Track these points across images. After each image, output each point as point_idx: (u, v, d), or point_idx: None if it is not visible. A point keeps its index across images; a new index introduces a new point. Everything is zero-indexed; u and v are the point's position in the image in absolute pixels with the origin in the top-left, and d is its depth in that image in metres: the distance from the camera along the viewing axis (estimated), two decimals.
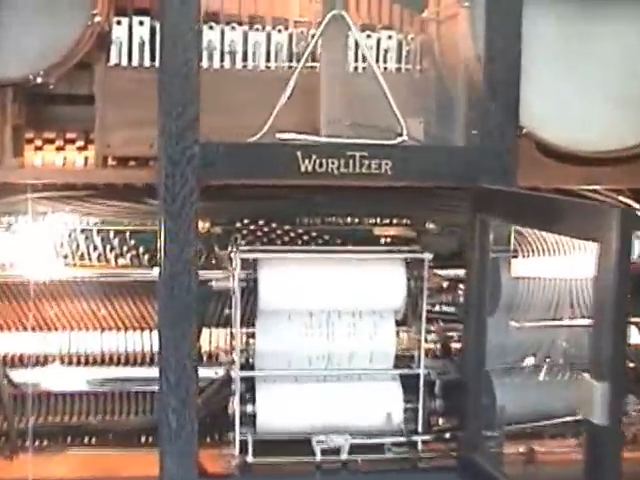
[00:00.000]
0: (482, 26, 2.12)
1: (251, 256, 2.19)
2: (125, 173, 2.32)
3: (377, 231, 2.56)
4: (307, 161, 2.06)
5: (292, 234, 2.49)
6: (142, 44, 2.35)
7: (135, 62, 2.35)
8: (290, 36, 2.41)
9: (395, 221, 2.56)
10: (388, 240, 2.54)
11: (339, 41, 2.21)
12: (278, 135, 2.13)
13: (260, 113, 2.26)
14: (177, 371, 2.04)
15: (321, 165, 2.07)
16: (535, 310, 2.24)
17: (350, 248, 2.36)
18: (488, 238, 2.10)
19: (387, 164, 2.09)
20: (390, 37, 2.44)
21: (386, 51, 2.43)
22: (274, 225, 2.48)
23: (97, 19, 2.15)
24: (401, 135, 2.17)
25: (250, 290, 2.22)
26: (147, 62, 2.36)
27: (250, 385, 2.22)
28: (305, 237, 2.50)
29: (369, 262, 2.27)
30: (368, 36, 2.44)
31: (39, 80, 2.14)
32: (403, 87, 2.37)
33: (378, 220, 2.55)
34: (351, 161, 2.08)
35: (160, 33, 2.03)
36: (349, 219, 2.53)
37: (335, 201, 2.43)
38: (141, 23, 2.35)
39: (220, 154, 2.04)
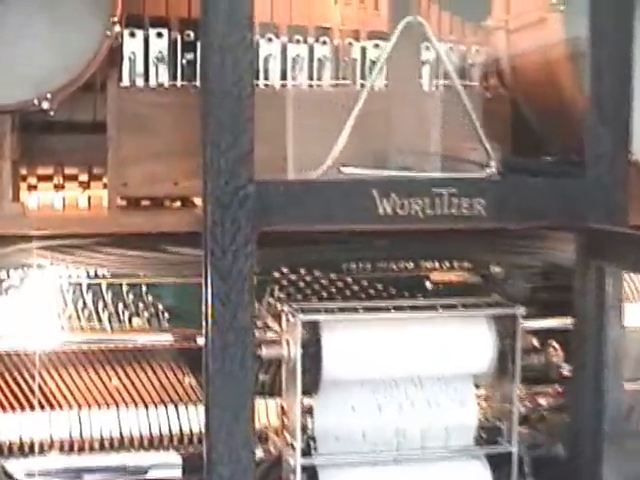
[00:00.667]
0: (581, 33, 1.76)
1: (317, 318, 1.79)
2: (147, 218, 1.89)
3: (435, 277, 2.18)
4: (385, 201, 1.67)
5: (339, 284, 2.10)
6: (160, 60, 1.94)
7: (152, 81, 1.94)
8: (336, 49, 2.03)
9: (455, 264, 2.19)
10: (449, 287, 2.17)
11: (411, 54, 1.83)
12: (343, 170, 1.74)
13: (304, 141, 1.88)
14: (230, 464, 1.63)
15: (402, 206, 1.68)
16: None
17: (423, 302, 1.96)
18: (604, 287, 1.73)
19: (480, 203, 1.71)
20: (451, 49, 2.06)
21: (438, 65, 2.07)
22: (317, 274, 2.09)
23: (117, 28, 1.73)
24: (489, 167, 1.80)
25: (306, 357, 1.82)
26: (166, 81, 1.95)
27: (312, 473, 1.81)
28: (354, 287, 2.11)
29: (446, 318, 1.88)
30: (426, 48, 2.07)
31: (45, 106, 1.71)
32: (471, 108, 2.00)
33: (435, 264, 2.18)
34: (438, 200, 1.69)
35: (203, 47, 1.63)
36: (402, 263, 2.15)
37: (384, 243, 2.06)
38: (159, 35, 1.94)
39: (280, 195, 1.65)
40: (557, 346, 1.93)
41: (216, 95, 1.60)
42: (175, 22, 1.96)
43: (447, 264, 2.17)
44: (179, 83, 1.95)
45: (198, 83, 1.95)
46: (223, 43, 1.60)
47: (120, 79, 1.92)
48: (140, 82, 1.93)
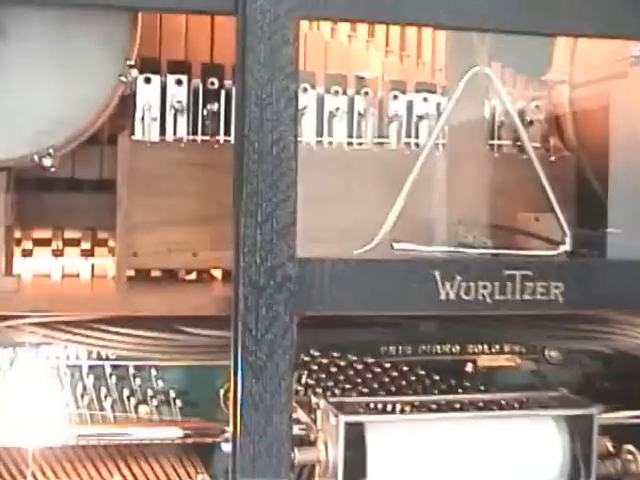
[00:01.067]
0: None
1: (363, 419, 1.51)
2: (162, 298, 1.61)
3: (483, 362, 1.92)
4: (448, 285, 1.41)
5: (376, 368, 1.84)
6: (179, 110, 1.68)
7: (169, 135, 1.69)
8: (380, 101, 1.78)
9: (505, 348, 1.92)
10: (498, 373, 1.91)
11: (473, 109, 1.58)
12: (396, 246, 1.48)
13: (345, 210, 1.64)
14: None
15: (468, 290, 1.42)
16: None
17: (481, 397, 1.70)
18: None
19: (557, 287, 1.45)
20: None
21: (501, 123, 1.81)
22: (352, 357, 1.82)
23: (134, 73, 1.47)
24: (563, 244, 1.54)
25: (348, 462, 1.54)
26: (185, 135, 1.69)
27: None
28: (393, 372, 1.84)
29: (506, 417, 1.62)
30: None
31: (47, 163, 1.45)
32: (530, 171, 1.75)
33: (483, 347, 1.91)
34: (509, 284, 1.43)
35: (238, 98, 1.37)
36: (447, 346, 1.89)
37: (428, 324, 1.80)
38: (178, 82, 1.68)
39: (326, 276, 1.38)
40: (634, 450, 1.66)
41: (252, 155, 1.34)
42: (196, 67, 1.71)
43: (496, 347, 1.92)
44: (200, 138, 1.69)
45: (222, 138, 1.70)
46: (263, 93, 1.34)
47: (132, 132, 1.66)
48: (155, 136, 1.67)
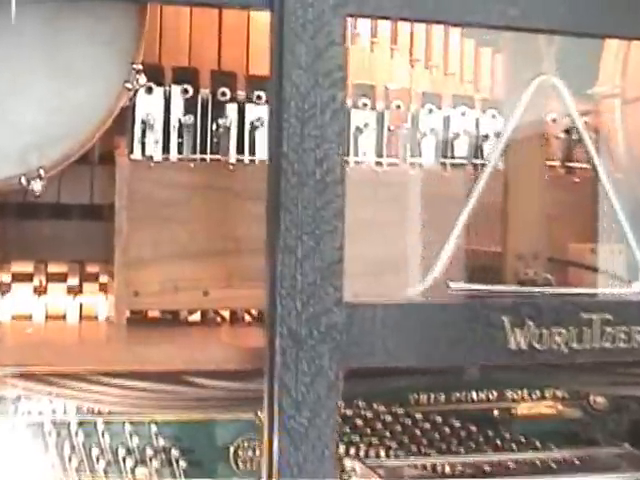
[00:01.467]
0: None
1: None
2: (168, 349, 1.35)
3: (522, 410, 1.70)
4: (519, 332, 1.19)
5: (406, 420, 1.61)
6: (186, 125, 1.45)
7: (173, 153, 1.45)
8: (413, 116, 1.56)
9: (547, 394, 1.71)
10: (538, 422, 1.69)
11: (530, 122, 1.36)
12: (452, 285, 1.26)
13: (370, 237, 1.42)
14: None
15: (541, 338, 1.20)
16: None
17: (530, 456, 1.48)
18: None
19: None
20: (554, 121, 1.60)
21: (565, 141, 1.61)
22: (379, 407, 1.59)
23: (142, 79, 1.24)
24: (637, 281, 1.33)
25: None
26: (192, 154, 1.46)
27: None
28: (425, 424, 1.61)
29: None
30: (493, 116, 1.61)
31: (37, 186, 1.21)
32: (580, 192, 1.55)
33: (523, 394, 1.70)
34: (587, 329, 1.22)
35: (274, 110, 1.13)
36: (484, 393, 1.67)
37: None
38: (185, 92, 1.45)
39: (377, 322, 1.15)
40: None
41: (291, 178, 1.12)
42: (205, 75, 1.48)
43: (537, 393, 1.70)
44: (209, 157, 1.46)
45: (233, 157, 1.46)
46: (305, 104, 1.11)
47: (131, 150, 1.42)
48: (157, 155, 1.43)
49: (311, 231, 1.12)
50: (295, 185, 1.12)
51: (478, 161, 1.53)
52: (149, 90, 1.41)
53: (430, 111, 1.55)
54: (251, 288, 1.40)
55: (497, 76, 1.64)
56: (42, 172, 1.19)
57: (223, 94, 1.46)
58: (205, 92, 1.46)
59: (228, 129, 1.46)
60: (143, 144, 1.43)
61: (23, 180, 1.19)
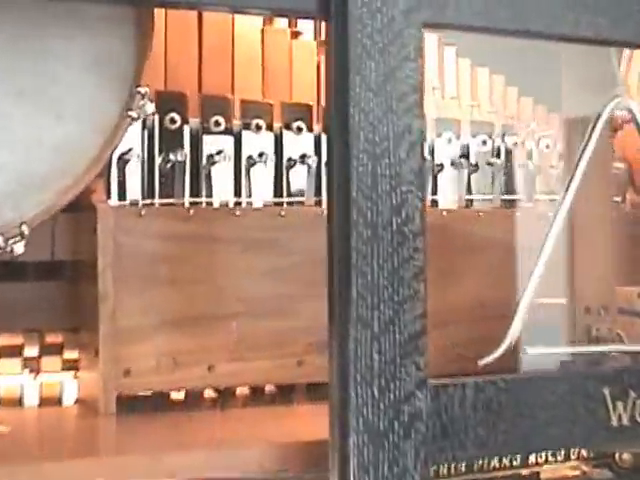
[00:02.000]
0: None
1: None
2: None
3: (546, 474, 1.50)
4: (621, 405, 0.99)
5: None
6: (178, 163, 1.19)
7: (162, 197, 1.18)
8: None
9: (571, 454, 1.51)
10: None
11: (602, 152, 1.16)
12: (529, 350, 1.04)
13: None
14: None
15: None
16: None
17: None
18: None
19: None
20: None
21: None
22: None
23: (149, 107, 0.98)
24: None
25: None
26: (187, 197, 1.20)
27: None
28: None
29: None
30: (547, 147, 1.42)
31: (18, 249, 0.93)
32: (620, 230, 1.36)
33: (547, 456, 1.49)
34: None
35: (334, 141, 0.89)
36: (506, 459, 1.46)
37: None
38: (172, 121, 1.19)
39: (467, 404, 0.92)
40: None
41: (363, 230, 0.88)
42: (194, 101, 1.22)
43: (562, 453, 1.50)
44: (204, 200, 1.20)
45: (231, 200, 1.21)
46: (376, 136, 0.88)
47: (108, 194, 1.15)
48: (140, 199, 1.17)
49: (388, 297, 0.88)
50: (368, 240, 0.88)
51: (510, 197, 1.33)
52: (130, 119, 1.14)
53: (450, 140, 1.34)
54: (265, 359, 1.16)
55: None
56: (25, 229, 0.91)
57: (217, 124, 1.21)
58: (195, 121, 1.21)
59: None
60: (122, 186, 1.16)
61: (0, 240, 0.91)
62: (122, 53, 0.96)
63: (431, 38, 1.52)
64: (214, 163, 1.20)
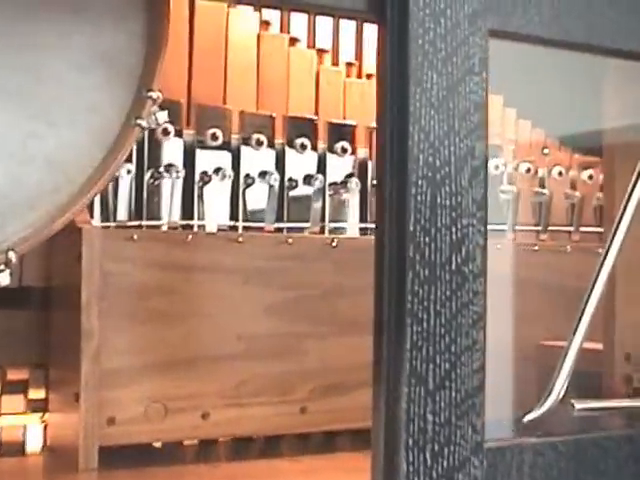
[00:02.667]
0: None
1: None
2: None
3: None
4: None
5: None
6: (172, 177, 1.04)
7: (149, 219, 1.04)
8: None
9: None
10: None
11: None
12: (577, 405, 0.92)
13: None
14: None
15: None
16: None
17: None
18: None
19: None
20: None
21: None
22: None
23: (161, 115, 0.84)
24: None
25: None
26: (178, 218, 1.05)
27: None
28: None
29: None
30: (560, 174, 1.31)
31: (4, 279, 0.78)
32: None
33: None
34: None
35: (386, 163, 0.76)
36: None
37: None
38: (165, 133, 1.04)
39: (525, 471, 0.80)
40: None
41: (421, 270, 0.75)
42: (195, 111, 1.08)
43: None
44: (197, 223, 1.06)
45: (241, 225, 1.07)
46: (436, 160, 0.75)
47: (90, 213, 1.00)
48: (126, 219, 1.02)
49: (445, 348, 0.76)
50: (425, 281, 0.75)
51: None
52: None
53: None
54: (265, 405, 1.02)
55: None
56: (12, 256, 0.76)
57: (215, 137, 1.07)
58: (189, 134, 1.06)
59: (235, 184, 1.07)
60: (107, 206, 1.01)
61: None
62: (128, 50, 0.82)
63: None
64: (208, 182, 1.06)
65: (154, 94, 0.81)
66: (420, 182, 0.75)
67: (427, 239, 0.75)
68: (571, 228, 1.28)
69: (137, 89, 0.82)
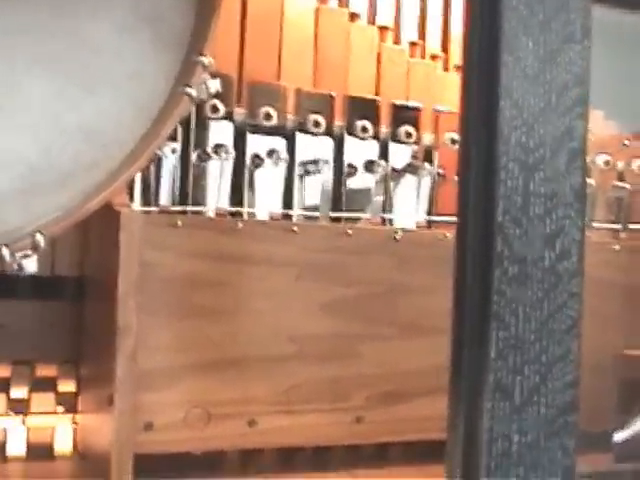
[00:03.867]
0: None
1: None
2: None
3: None
4: None
5: None
6: (223, 158, 0.95)
7: (198, 204, 0.94)
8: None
9: None
10: None
11: None
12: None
13: None
14: None
15: None
16: None
17: None
18: None
19: None
20: None
21: None
22: None
23: (213, 83, 0.74)
24: None
25: None
26: (227, 204, 0.96)
27: None
28: None
29: None
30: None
31: (29, 265, 0.69)
32: None
33: None
34: None
35: (478, 156, 0.66)
36: None
37: None
38: (214, 110, 0.94)
39: None
40: None
41: (510, 266, 0.64)
42: (239, 88, 0.98)
43: None
44: (246, 210, 0.96)
45: (297, 212, 0.98)
46: (530, 140, 0.65)
47: (131, 196, 0.91)
48: (167, 204, 0.93)
49: (535, 358, 0.65)
50: (514, 279, 0.64)
51: None
52: None
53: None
54: (318, 412, 0.92)
55: None
56: (41, 240, 0.66)
57: (267, 116, 0.97)
58: (240, 112, 0.97)
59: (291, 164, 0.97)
60: (148, 187, 0.92)
61: (6, 254, 0.66)
62: (176, 10, 0.72)
63: None
64: (259, 166, 0.97)
65: (205, 59, 0.71)
66: (511, 165, 0.64)
67: (518, 232, 0.65)
68: None
69: (186, 54, 0.72)
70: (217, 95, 0.90)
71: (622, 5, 0.73)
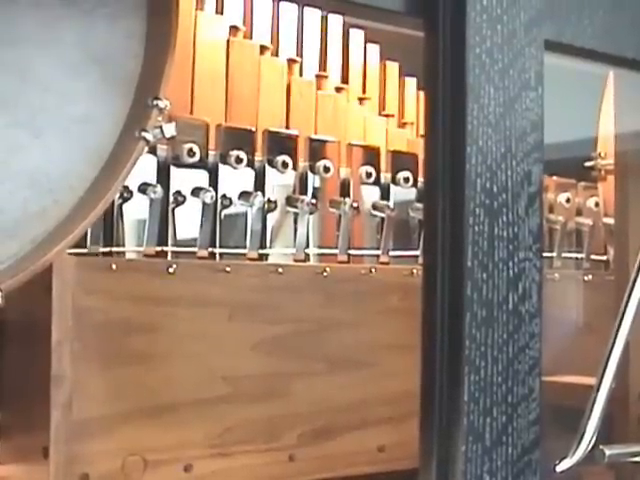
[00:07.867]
0: None
1: None
2: None
3: None
4: None
5: None
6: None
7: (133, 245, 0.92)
8: None
9: None
10: None
11: None
12: (607, 452, 0.84)
13: None
14: None
15: None
16: None
17: None
18: None
19: None
20: None
21: None
22: None
23: (168, 128, 0.72)
24: None
25: None
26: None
27: None
28: None
29: None
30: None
31: None
32: None
33: None
34: None
35: (435, 186, 0.67)
36: None
37: None
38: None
39: None
40: None
41: (478, 313, 0.65)
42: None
43: None
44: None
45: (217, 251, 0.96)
46: (494, 185, 0.66)
47: None
48: (97, 245, 0.90)
49: (502, 399, 0.67)
50: (483, 323, 0.66)
51: None
52: None
53: None
54: (252, 453, 0.91)
55: None
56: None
57: (190, 153, 0.95)
58: (162, 148, 0.95)
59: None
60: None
61: None
62: (125, 51, 0.70)
63: None
64: (182, 202, 0.95)
65: (162, 103, 0.70)
66: (477, 211, 0.66)
67: (485, 275, 0.66)
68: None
69: (138, 97, 0.70)
70: None
71: (570, 53, 0.76)
